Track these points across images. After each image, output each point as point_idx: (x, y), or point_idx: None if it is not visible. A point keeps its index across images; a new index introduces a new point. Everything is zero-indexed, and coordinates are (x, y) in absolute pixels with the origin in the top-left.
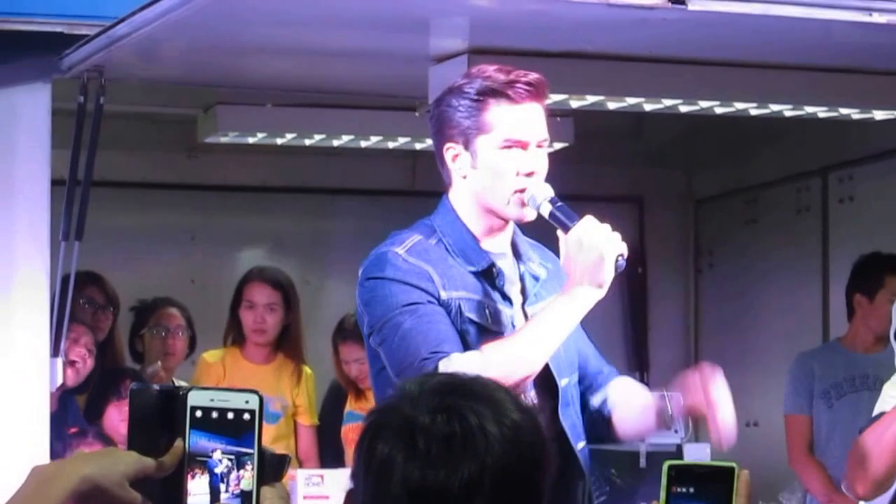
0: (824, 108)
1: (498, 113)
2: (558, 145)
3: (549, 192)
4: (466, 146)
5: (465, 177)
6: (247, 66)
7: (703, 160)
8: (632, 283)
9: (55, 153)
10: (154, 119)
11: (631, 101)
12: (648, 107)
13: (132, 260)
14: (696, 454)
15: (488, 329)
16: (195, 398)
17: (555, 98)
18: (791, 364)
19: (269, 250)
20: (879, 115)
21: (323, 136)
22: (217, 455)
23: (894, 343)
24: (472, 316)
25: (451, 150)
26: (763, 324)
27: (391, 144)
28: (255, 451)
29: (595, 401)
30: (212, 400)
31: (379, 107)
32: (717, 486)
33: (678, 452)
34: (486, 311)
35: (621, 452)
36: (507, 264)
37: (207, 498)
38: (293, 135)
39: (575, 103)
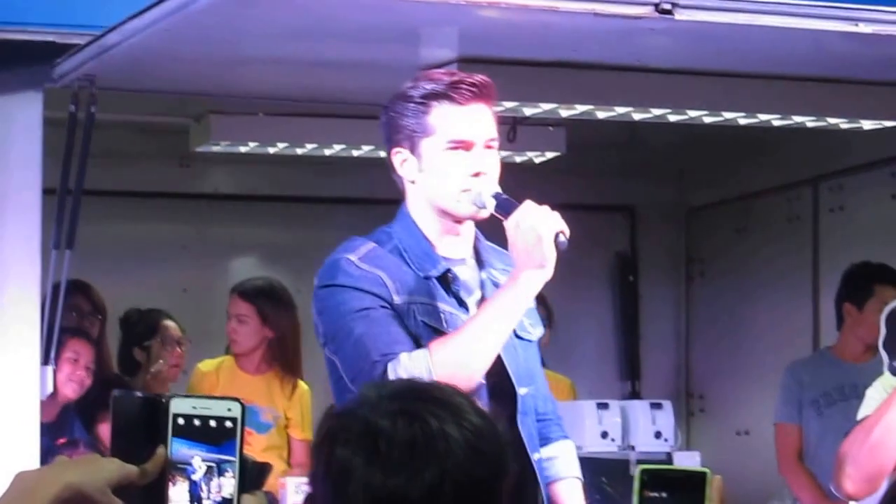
0: (812, 118)
1: (441, 114)
2: (550, 154)
3: (494, 188)
4: (412, 150)
5: (413, 181)
6: (238, 76)
7: (694, 170)
8: (624, 292)
9: (47, 162)
10: (146, 128)
11: (620, 110)
12: (637, 116)
13: (125, 269)
14: (686, 462)
15: (444, 333)
16: (177, 406)
17: (544, 107)
18: (782, 373)
19: (261, 259)
20: (867, 124)
21: (315, 145)
22: (197, 462)
23: (883, 352)
24: (427, 320)
25: (399, 155)
26: (754, 332)
27: (383, 154)
28: (236, 458)
29: (543, 453)
30: (194, 408)
31: (370, 116)
32: (690, 491)
33: (668, 460)
34: (442, 316)
35: (611, 461)
36: (465, 271)
37: None
38: (285, 144)
39: (564, 112)
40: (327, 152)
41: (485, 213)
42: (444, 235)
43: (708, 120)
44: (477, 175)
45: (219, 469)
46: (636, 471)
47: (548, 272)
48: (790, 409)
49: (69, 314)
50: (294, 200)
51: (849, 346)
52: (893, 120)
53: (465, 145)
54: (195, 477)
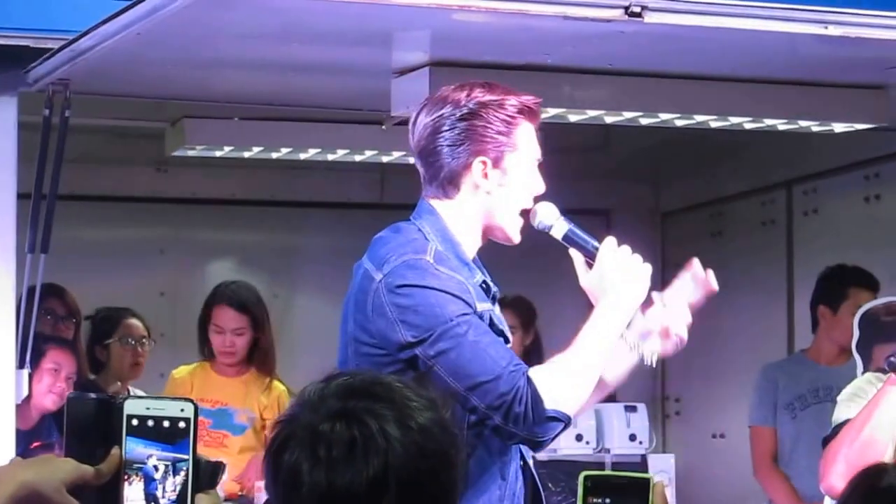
0: (783, 121)
1: (525, 131)
2: None
3: (556, 211)
4: (496, 163)
5: (489, 193)
6: (213, 80)
7: (669, 174)
8: (647, 263)
9: (21, 166)
10: (122, 133)
11: (592, 113)
12: (609, 119)
13: (102, 273)
14: (661, 464)
15: (507, 340)
16: (131, 407)
17: None
18: (756, 376)
19: (238, 263)
20: (838, 127)
21: (290, 149)
22: (152, 461)
23: (857, 355)
24: (503, 329)
25: (481, 166)
26: (729, 336)
27: (358, 158)
28: (190, 457)
29: None
30: (147, 408)
31: (345, 120)
32: (633, 497)
33: (643, 463)
34: (502, 324)
35: (587, 462)
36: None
37: None
38: (260, 148)
39: None
40: (302, 156)
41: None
42: (473, 245)
43: (679, 123)
44: (537, 197)
45: (174, 468)
46: (580, 477)
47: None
48: (765, 411)
49: (44, 318)
50: (270, 204)
51: (823, 348)
52: (864, 123)
53: (539, 164)
54: (153, 476)
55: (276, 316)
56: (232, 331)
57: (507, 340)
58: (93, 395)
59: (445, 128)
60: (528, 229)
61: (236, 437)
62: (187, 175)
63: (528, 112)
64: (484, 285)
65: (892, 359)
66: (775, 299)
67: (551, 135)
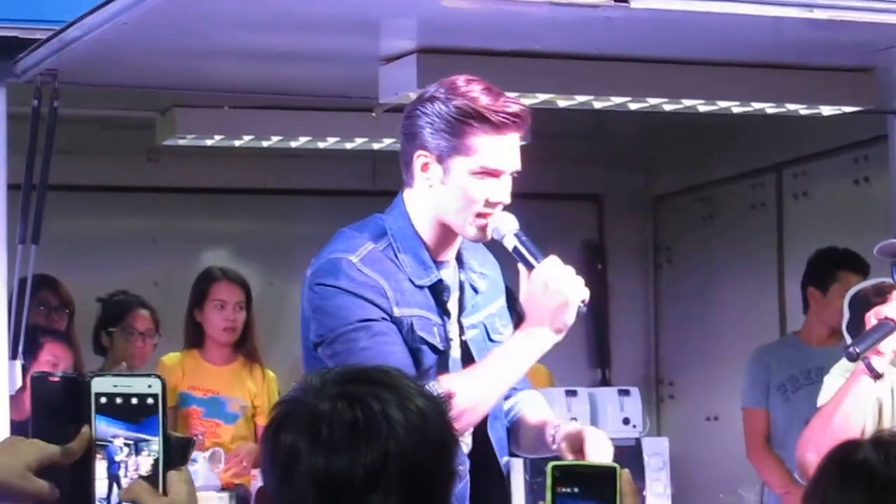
0: (772, 105)
1: (479, 140)
2: None
3: (515, 224)
4: (440, 161)
5: (430, 187)
6: (202, 69)
7: (660, 159)
8: (592, 281)
9: (11, 158)
10: (112, 123)
11: (580, 98)
12: (598, 105)
13: (94, 264)
14: (656, 447)
15: (437, 348)
16: (98, 385)
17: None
18: (749, 358)
19: (231, 252)
20: (826, 110)
21: (280, 137)
22: (118, 441)
23: (847, 336)
24: (425, 335)
25: (423, 159)
26: (721, 318)
27: (349, 145)
28: (156, 437)
29: (504, 406)
30: (115, 386)
31: (336, 108)
32: (601, 486)
33: (637, 446)
34: (435, 330)
35: None
36: (448, 273)
37: (106, 483)
38: (251, 137)
39: (525, 101)
40: (293, 144)
41: (487, 240)
42: (441, 241)
43: (668, 108)
44: (495, 205)
45: (136, 447)
46: (548, 468)
47: (561, 337)
48: (757, 393)
49: (37, 309)
50: (262, 193)
51: (814, 330)
52: (852, 105)
53: (495, 174)
54: (117, 457)
55: (270, 304)
56: (235, 304)
57: (445, 343)
58: (59, 374)
59: (406, 115)
60: None
61: (229, 425)
62: (178, 164)
63: (480, 118)
64: (440, 284)
65: (850, 350)
66: (767, 282)
67: (542, 121)
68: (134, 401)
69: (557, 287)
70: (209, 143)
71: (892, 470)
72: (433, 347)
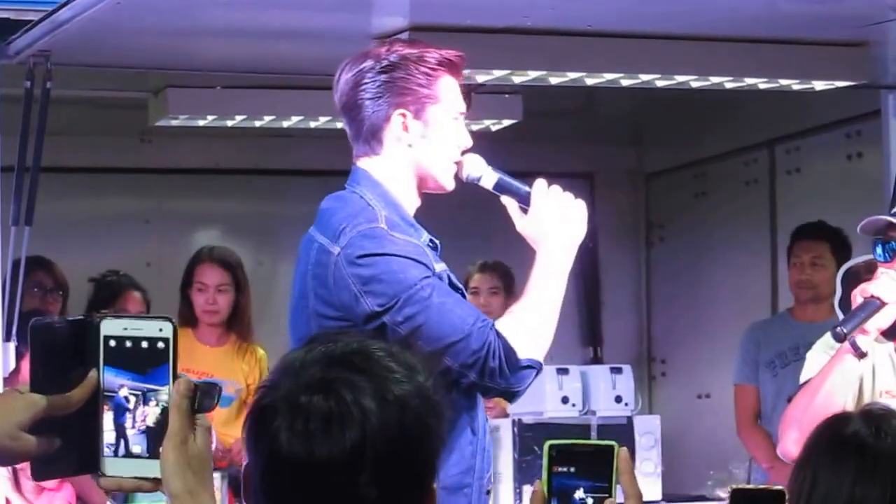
0: (764, 80)
1: (446, 84)
2: (507, 122)
3: (483, 162)
4: (417, 115)
5: (411, 146)
6: (194, 49)
7: (652, 136)
8: (583, 259)
9: (4, 139)
10: (104, 104)
11: (572, 75)
12: (590, 81)
13: (87, 245)
14: (647, 426)
15: (465, 296)
16: (108, 327)
17: (497, 73)
18: (741, 335)
19: (223, 232)
20: (819, 85)
21: (273, 117)
22: (124, 392)
23: (839, 312)
24: (459, 285)
25: (402, 118)
26: (714, 296)
27: (340, 125)
28: (165, 386)
29: None
30: (125, 329)
31: (328, 87)
32: (598, 464)
33: (629, 424)
34: (459, 281)
35: (572, 426)
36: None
37: (113, 434)
38: (243, 116)
39: (517, 79)
40: (285, 124)
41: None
42: (413, 204)
43: (660, 83)
44: (464, 149)
45: (144, 397)
46: (545, 447)
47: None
48: (747, 370)
49: (31, 291)
50: (254, 173)
51: (800, 305)
52: (845, 80)
53: (462, 116)
54: (124, 406)
55: (261, 283)
56: (216, 287)
57: (463, 296)
58: (63, 318)
59: (366, 81)
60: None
61: (224, 408)
62: (171, 145)
63: (449, 65)
64: (431, 243)
65: (837, 330)
66: (759, 259)
67: (532, 99)
68: (144, 344)
69: (563, 203)
70: (202, 123)
71: (883, 443)
72: (463, 296)
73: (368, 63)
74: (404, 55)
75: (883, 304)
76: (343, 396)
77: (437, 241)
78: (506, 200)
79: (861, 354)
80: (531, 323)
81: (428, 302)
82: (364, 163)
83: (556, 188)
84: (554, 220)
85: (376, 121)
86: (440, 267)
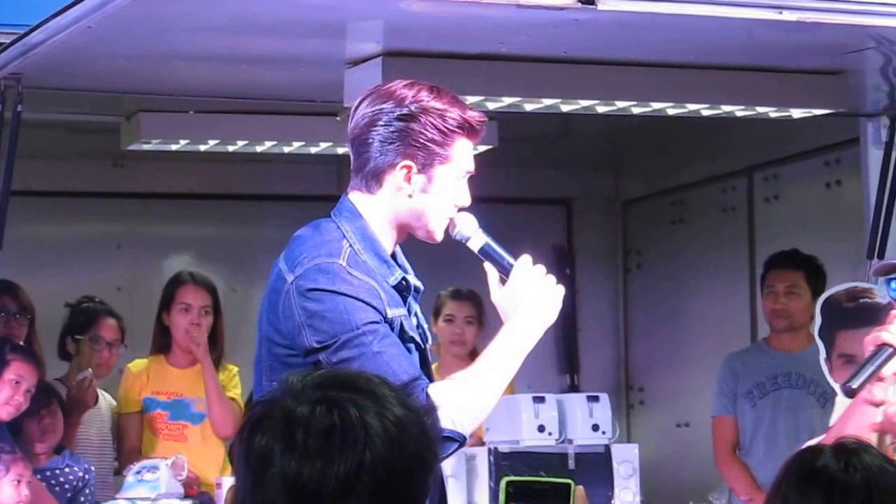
0: (741, 107)
1: (462, 146)
2: (483, 148)
3: (475, 223)
4: (423, 169)
5: (410, 196)
6: (167, 73)
7: (630, 162)
8: (560, 285)
9: None
10: (76, 128)
11: (547, 102)
12: (566, 108)
13: (58, 269)
14: (625, 454)
15: (421, 346)
16: None
17: (471, 100)
18: (718, 366)
19: (195, 257)
20: (797, 113)
21: (246, 142)
22: None
23: (819, 341)
24: (413, 334)
25: (407, 170)
26: (692, 323)
27: (313, 150)
28: None
29: None
30: None
31: (301, 112)
32: (555, 501)
33: (606, 453)
34: (417, 329)
35: (550, 454)
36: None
37: None
38: (216, 141)
39: (492, 105)
40: (258, 149)
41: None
42: (391, 244)
43: (636, 111)
44: (462, 208)
45: None
46: (502, 483)
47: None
48: (725, 401)
49: None
50: (226, 198)
51: (776, 334)
52: (822, 108)
53: (467, 175)
54: None
55: (234, 309)
56: (200, 308)
57: (424, 341)
58: None
59: (381, 122)
60: None
61: (195, 426)
62: (143, 169)
63: (468, 128)
64: (404, 282)
65: (847, 386)
66: (738, 287)
67: (510, 124)
68: None
69: (542, 284)
70: (174, 147)
71: (851, 477)
72: (418, 346)
73: (389, 105)
74: (426, 107)
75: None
76: (348, 412)
77: (412, 282)
78: (488, 267)
79: (879, 404)
80: (471, 394)
81: (366, 349)
82: (356, 196)
83: (541, 268)
84: (528, 300)
85: (381, 164)
86: (396, 312)
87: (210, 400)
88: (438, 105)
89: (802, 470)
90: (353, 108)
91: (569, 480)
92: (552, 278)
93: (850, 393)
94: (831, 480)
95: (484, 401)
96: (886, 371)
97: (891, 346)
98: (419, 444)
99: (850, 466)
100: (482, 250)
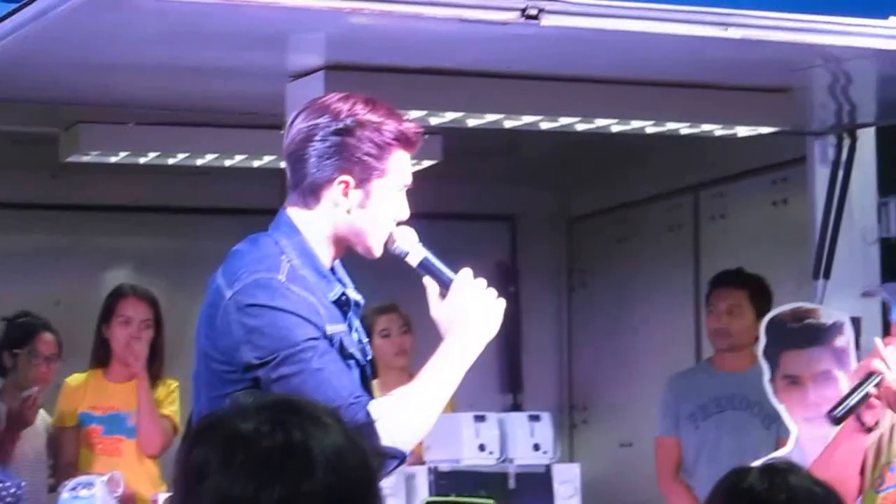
0: (686, 125)
1: (398, 158)
2: (427, 163)
3: (415, 237)
4: (361, 184)
5: (348, 211)
6: (107, 84)
7: (576, 179)
8: (502, 299)
9: None
10: (14, 138)
11: (491, 117)
12: (509, 124)
13: None
14: (566, 474)
15: (361, 363)
16: None
17: (413, 114)
18: (661, 387)
19: (135, 271)
20: (742, 131)
21: (186, 154)
22: None
23: (763, 361)
24: (353, 351)
25: (345, 185)
26: (636, 342)
27: (256, 163)
28: None
29: None
30: None
31: (243, 125)
32: None
33: (547, 473)
34: (357, 345)
35: (490, 473)
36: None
37: None
38: (156, 154)
39: (434, 120)
40: (199, 162)
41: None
42: (329, 258)
43: (580, 127)
44: (400, 222)
45: None
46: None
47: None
48: (668, 422)
49: None
50: (167, 211)
51: (719, 354)
52: (768, 126)
53: (405, 188)
54: None
55: (174, 323)
56: (140, 322)
57: (363, 359)
58: None
59: (318, 137)
60: None
61: (131, 440)
62: (83, 181)
63: (405, 140)
64: (343, 297)
65: (832, 413)
66: (683, 306)
67: (454, 139)
68: None
69: (483, 298)
70: (114, 159)
71: (774, 496)
72: (357, 362)
73: (324, 120)
74: (362, 121)
75: (882, 378)
76: (293, 436)
77: (352, 297)
78: (427, 281)
79: (868, 430)
80: (411, 410)
81: (306, 366)
82: (293, 212)
83: (481, 281)
84: (469, 314)
85: (318, 179)
86: (335, 329)
87: (140, 417)
88: (374, 118)
89: (730, 490)
90: (288, 123)
91: (490, 500)
92: (493, 292)
93: (836, 421)
94: (755, 500)
95: (425, 417)
96: (876, 400)
97: (879, 373)
98: (357, 476)
99: (774, 486)
100: (421, 265)
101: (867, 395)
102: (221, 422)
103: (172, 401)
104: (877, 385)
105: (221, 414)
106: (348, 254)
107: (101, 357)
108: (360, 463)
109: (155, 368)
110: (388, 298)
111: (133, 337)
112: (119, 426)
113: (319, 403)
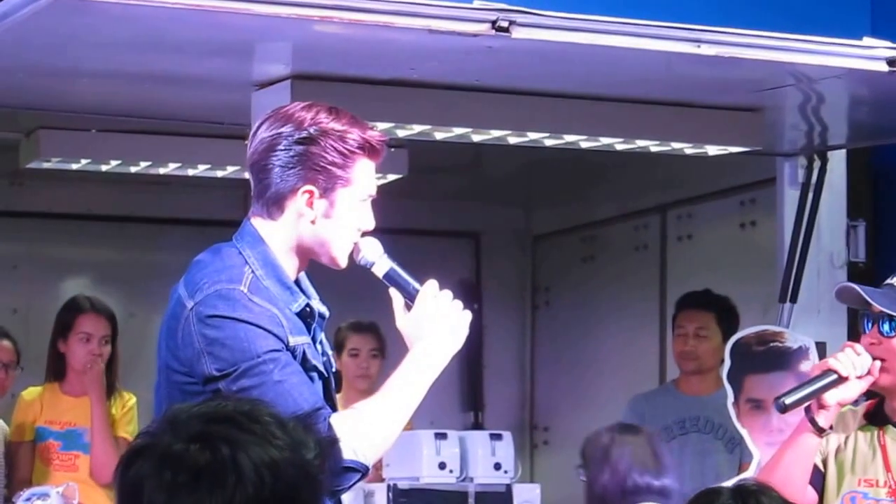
0: (656, 143)
1: (362, 168)
2: (392, 177)
3: (380, 248)
4: (325, 194)
5: (312, 222)
6: (69, 90)
7: (541, 196)
8: (467, 310)
9: None
10: None
11: (458, 131)
12: (477, 137)
13: None
14: (526, 494)
15: (324, 374)
16: None
17: (380, 126)
18: (624, 408)
19: (94, 281)
20: (712, 150)
21: (149, 163)
22: None
23: (727, 385)
24: (316, 363)
25: (309, 195)
26: (600, 362)
27: (220, 173)
28: None
29: None
30: None
31: (207, 134)
32: None
33: (508, 492)
34: (321, 357)
35: (450, 492)
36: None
37: None
38: (118, 162)
39: (401, 133)
40: (162, 171)
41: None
42: (294, 270)
43: (549, 143)
44: (365, 232)
45: None
46: None
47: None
48: None
49: None
50: (128, 220)
51: (685, 376)
52: (738, 146)
53: (370, 198)
54: None
55: (133, 335)
56: (101, 338)
57: (327, 371)
58: None
59: (281, 147)
60: None
61: (87, 455)
62: (42, 188)
63: (369, 149)
64: (307, 309)
65: (780, 401)
66: (647, 327)
67: (418, 154)
68: None
69: (449, 310)
70: (75, 167)
71: None
72: (321, 374)
73: (287, 129)
74: (325, 130)
75: (842, 378)
76: (221, 451)
77: (317, 308)
78: (393, 293)
79: (820, 430)
80: (374, 423)
81: (267, 378)
82: (257, 222)
83: (447, 293)
84: (434, 326)
85: (282, 189)
86: (298, 340)
87: (94, 442)
88: (338, 126)
89: None
90: (251, 134)
91: None
92: (459, 303)
93: (782, 409)
94: None
95: (388, 429)
96: (830, 400)
97: (836, 372)
98: (296, 486)
99: None
100: (387, 276)
101: (820, 390)
102: (156, 439)
103: (130, 419)
104: (833, 384)
105: (157, 430)
106: (331, 271)
107: (57, 371)
108: (296, 471)
109: (109, 382)
110: (371, 317)
111: (93, 354)
112: (76, 442)
113: (267, 413)
